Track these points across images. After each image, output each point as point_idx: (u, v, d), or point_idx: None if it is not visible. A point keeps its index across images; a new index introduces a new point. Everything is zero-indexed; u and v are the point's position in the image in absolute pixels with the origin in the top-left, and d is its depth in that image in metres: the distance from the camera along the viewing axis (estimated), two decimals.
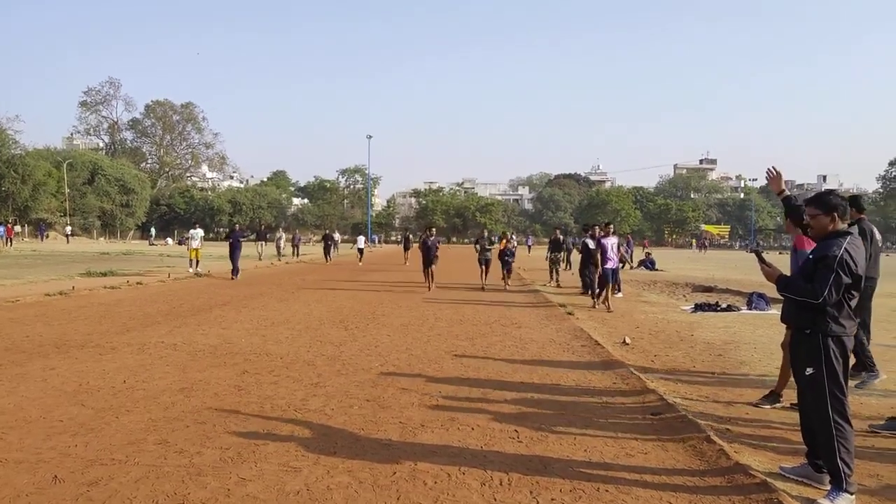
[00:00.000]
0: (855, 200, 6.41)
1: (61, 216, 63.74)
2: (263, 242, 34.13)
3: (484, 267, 18.26)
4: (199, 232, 23.02)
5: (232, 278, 20.10)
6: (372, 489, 3.88)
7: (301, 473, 4.09)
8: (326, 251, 33.47)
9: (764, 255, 4.45)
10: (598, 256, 14.06)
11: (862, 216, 6.56)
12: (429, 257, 17.46)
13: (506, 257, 18.25)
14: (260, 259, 30.97)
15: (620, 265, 17.04)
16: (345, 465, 4.26)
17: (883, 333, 9.67)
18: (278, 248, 33.83)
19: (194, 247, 22.08)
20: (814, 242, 5.59)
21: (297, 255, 35.70)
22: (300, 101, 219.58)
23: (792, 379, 5.39)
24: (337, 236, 51.52)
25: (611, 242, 14.02)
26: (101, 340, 8.76)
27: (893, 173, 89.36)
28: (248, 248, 28.94)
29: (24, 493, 3.73)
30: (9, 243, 41.28)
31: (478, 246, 18.64)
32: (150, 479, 3.96)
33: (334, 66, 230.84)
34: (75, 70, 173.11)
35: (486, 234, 19.39)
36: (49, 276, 18.00)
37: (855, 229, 4.02)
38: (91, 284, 16.21)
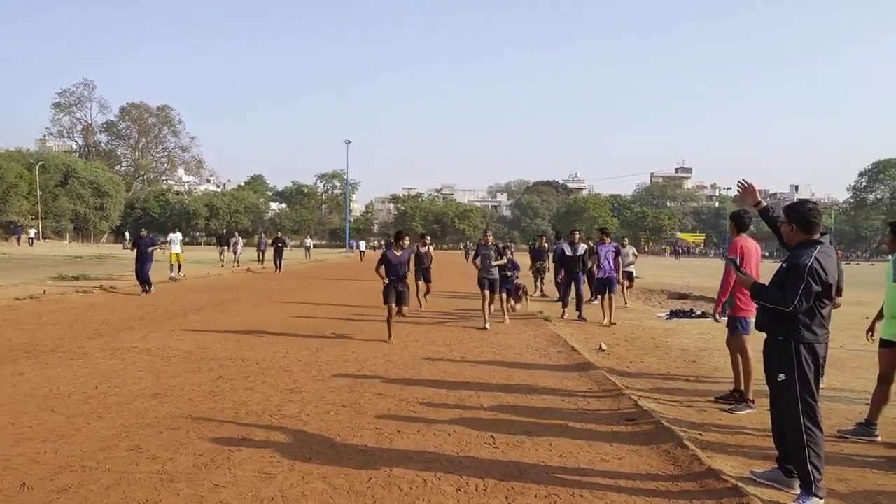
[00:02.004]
0: None
1: (33, 219, 62.61)
2: (225, 248, 30.39)
3: (488, 292, 11.81)
4: (178, 236, 22.71)
5: (143, 293, 16.01)
6: (347, 495, 3.87)
7: (276, 480, 4.06)
8: (276, 258, 27.85)
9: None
10: (581, 264, 13.90)
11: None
12: (396, 286, 10.07)
13: (507, 271, 12.84)
14: (222, 265, 28.70)
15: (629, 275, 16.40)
16: (320, 471, 4.24)
17: (853, 340, 9.84)
18: (235, 254, 30.40)
19: (174, 251, 21.83)
20: (750, 251, 6.12)
21: (262, 261, 31.96)
22: (278, 106, 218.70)
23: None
24: (309, 242, 46.51)
25: (605, 250, 12.78)
26: (72, 345, 8.61)
27: (863, 183, 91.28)
28: (210, 253, 28.08)
29: None
30: None
31: (477, 260, 11.99)
32: (121, 485, 3.90)
33: (313, 70, 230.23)
34: (48, 71, 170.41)
35: (490, 240, 12.18)
36: (19, 280, 17.67)
37: (826, 239, 4.10)
38: (63, 289, 15.94)
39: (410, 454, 4.63)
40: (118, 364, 7.51)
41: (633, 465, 4.51)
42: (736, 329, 6.31)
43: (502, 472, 4.32)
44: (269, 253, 30.18)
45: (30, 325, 10.40)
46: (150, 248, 17.29)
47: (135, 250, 17.40)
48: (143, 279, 16.42)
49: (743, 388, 6.27)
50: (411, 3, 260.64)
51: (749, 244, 6.24)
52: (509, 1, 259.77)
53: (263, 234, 44.36)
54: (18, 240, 54.86)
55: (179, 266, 21.73)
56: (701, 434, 5.25)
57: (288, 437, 4.95)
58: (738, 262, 4.36)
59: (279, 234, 31.96)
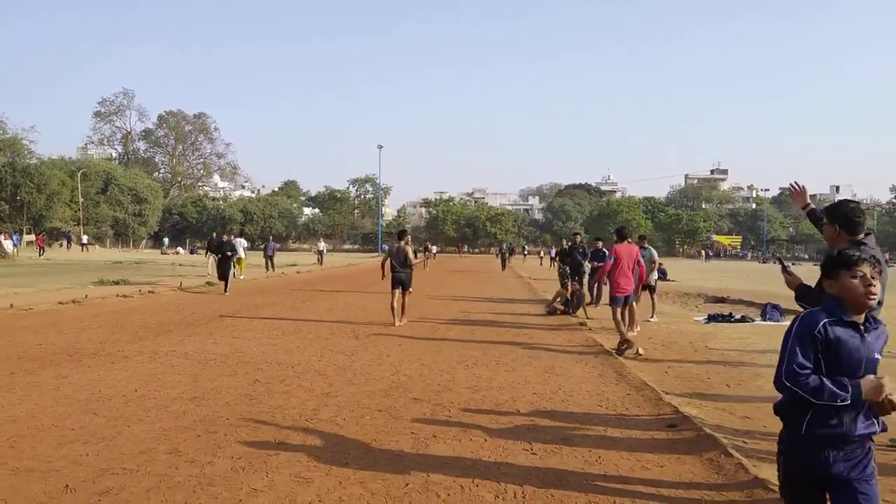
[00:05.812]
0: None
1: (75, 225, 64.34)
2: (215, 256, 19.82)
3: None
4: (242, 241, 23.35)
5: None
6: (384, 501, 3.84)
7: (313, 484, 4.05)
8: (222, 270, 18.39)
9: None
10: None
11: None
12: None
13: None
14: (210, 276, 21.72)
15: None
16: (357, 476, 4.22)
17: None
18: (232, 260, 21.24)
19: (239, 255, 22.42)
20: (621, 253, 9.78)
21: (272, 268, 27.64)
22: (312, 111, 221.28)
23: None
24: (322, 245, 40.99)
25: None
26: (113, 349, 8.77)
27: None
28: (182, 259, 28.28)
29: (36, 501, 3.71)
30: (41, 253, 41.45)
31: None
32: (161, 488, 3.93)
33: (346, 76, 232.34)
34: (89, 80, 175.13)
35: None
36: (62, 285, 18.10)
37: (871, 239, 3.96)
38: (103, 293, 16.27)
39: (447, 460, 4.58)
40: (157, 367, 7.61)
41: (676, 474, 4.39)
42: (612, 302, 9.70)
43: (541, 479, 4.25)
44: (277, 258, 27.62)
45: (72, 328, 10.63)
46: None
47: None
48: None
49: (620, 340, 9.08)
50: (445, 8, 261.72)
51: (622, 249, 9.60)
52: (540, 6, 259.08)
53: (272, 239, 33.88)
54: (69, 245, 56.62)
55: (240, 270, 22.62)
56: (745, 442, 5.10)
57: (324, 441, 4.95)
58: (784, 265, 4.22)
59: (224, 236, 21.43)
